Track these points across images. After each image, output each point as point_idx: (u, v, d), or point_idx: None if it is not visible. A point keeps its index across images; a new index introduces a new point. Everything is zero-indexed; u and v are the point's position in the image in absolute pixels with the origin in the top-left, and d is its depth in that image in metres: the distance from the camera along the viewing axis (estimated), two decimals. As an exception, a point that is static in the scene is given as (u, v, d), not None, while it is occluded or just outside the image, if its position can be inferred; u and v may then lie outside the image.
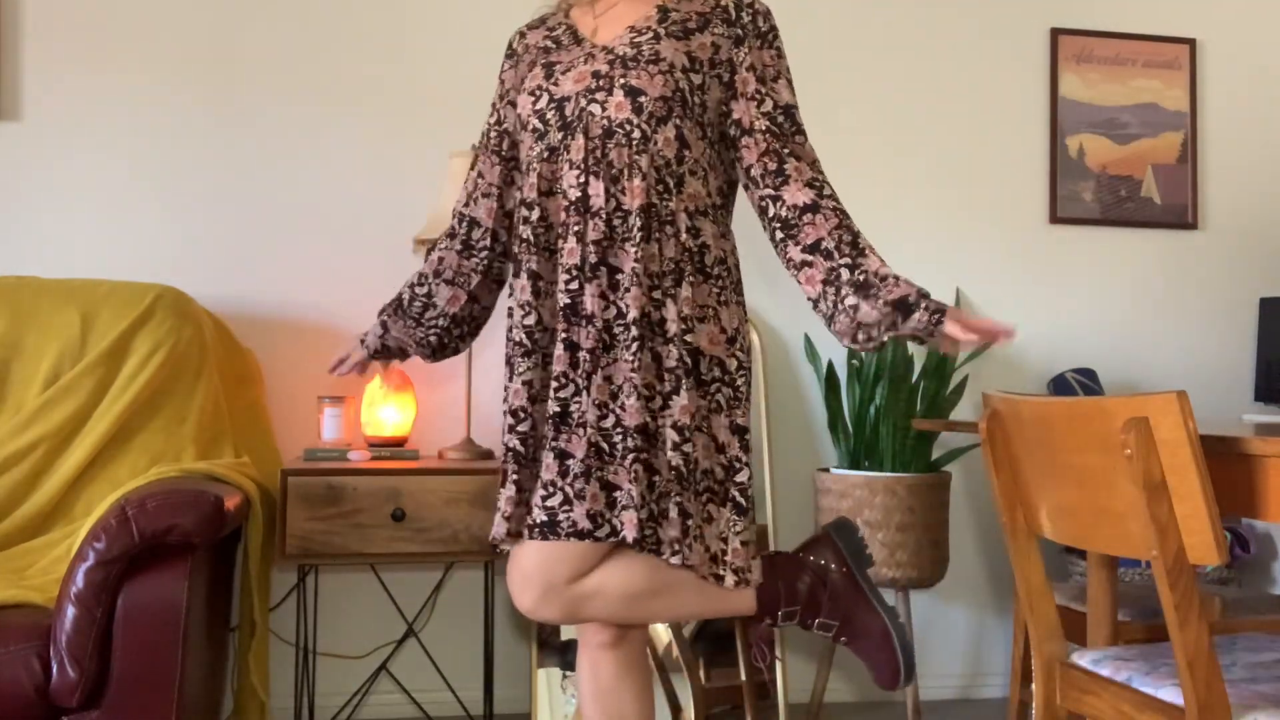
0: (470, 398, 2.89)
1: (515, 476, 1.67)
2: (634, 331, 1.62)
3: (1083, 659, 1.78)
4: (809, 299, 1.70)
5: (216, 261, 3.01)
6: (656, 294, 1.65)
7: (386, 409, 2.86)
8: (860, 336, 1.65)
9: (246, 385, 2.80)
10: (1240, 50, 3.55)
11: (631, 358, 1.61)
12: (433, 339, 1.92)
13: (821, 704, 3.07)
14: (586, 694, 1.79)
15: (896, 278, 1.63)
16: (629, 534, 1.58)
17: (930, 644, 3.33)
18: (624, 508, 1.60)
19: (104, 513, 2.05)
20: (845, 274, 1.65)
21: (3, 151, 2.95)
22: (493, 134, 1.86)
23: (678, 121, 1.67)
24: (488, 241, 1.86)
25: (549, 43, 1.78)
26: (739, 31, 1.73)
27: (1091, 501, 1.60)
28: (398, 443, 2.86)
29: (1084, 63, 3.44)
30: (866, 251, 1.66)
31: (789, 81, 1.76)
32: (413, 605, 3.06)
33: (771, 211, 1.72)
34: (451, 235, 1.88)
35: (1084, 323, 3.44)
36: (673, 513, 1.61)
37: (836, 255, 1.66)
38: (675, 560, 1.61)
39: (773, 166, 1.71)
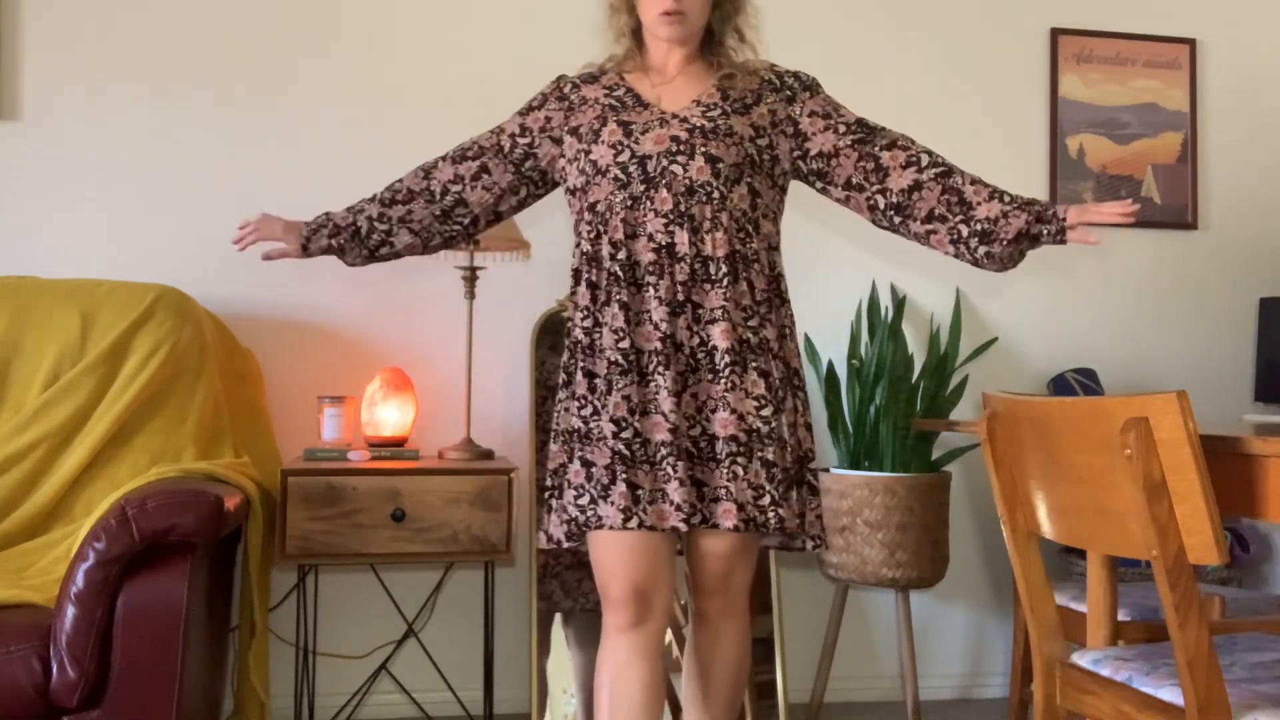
0: (470, 398, 2.89)
1: (625, 475, 1.83)
2: (728, 359, 1.87)
3: (1083, 659, 1.78)
4: (949, 255, 1.98)
5: (216, 261, 3.01)
6: (753, 321, 1.91)
7: (386, 409, 2.86)
8: (1007, 266, 1.95)
9: (246, 385, 2.80)
10: (1240, 50, 3.55)
11: (724, 380, 1.87)
12: (369, 263, 2.17)
13: (821, 704, 3.07)
14: (601, 674, 1.91)
15: (1006, 213, 1.89)
16: (723, 522, 1.84)
17: (930, 644, 3.33)
18: (713, 500, 1.86)
19: (104, 513, 2.05)
20: (964, 230, 1.92)
21: (3, 151, 2.95)
22: (518, 149, 2.06)
23: (749, 179, 1.94)
24: (465, 222, 2.11)
25: (614, 101, 2.00)
26: (788, 94, 2.02)
27: (1091, 501, 1.60)
28: (398, 443, 2.86)
29: (1084, 63, 3.44)
30: (973, 203, 1.92)
31: (847, 109, 2.05)
32: (413, 605, 3.06)
33: (883, 203, 1.98)
34: (431, 199, 2.09)
35: (1084, 323, 3.44)
36: (793, 496, 1.90)
37: (951, 217, 1.93)
38: (797, 532, 1.93)
39: (870, 166, 1.98)
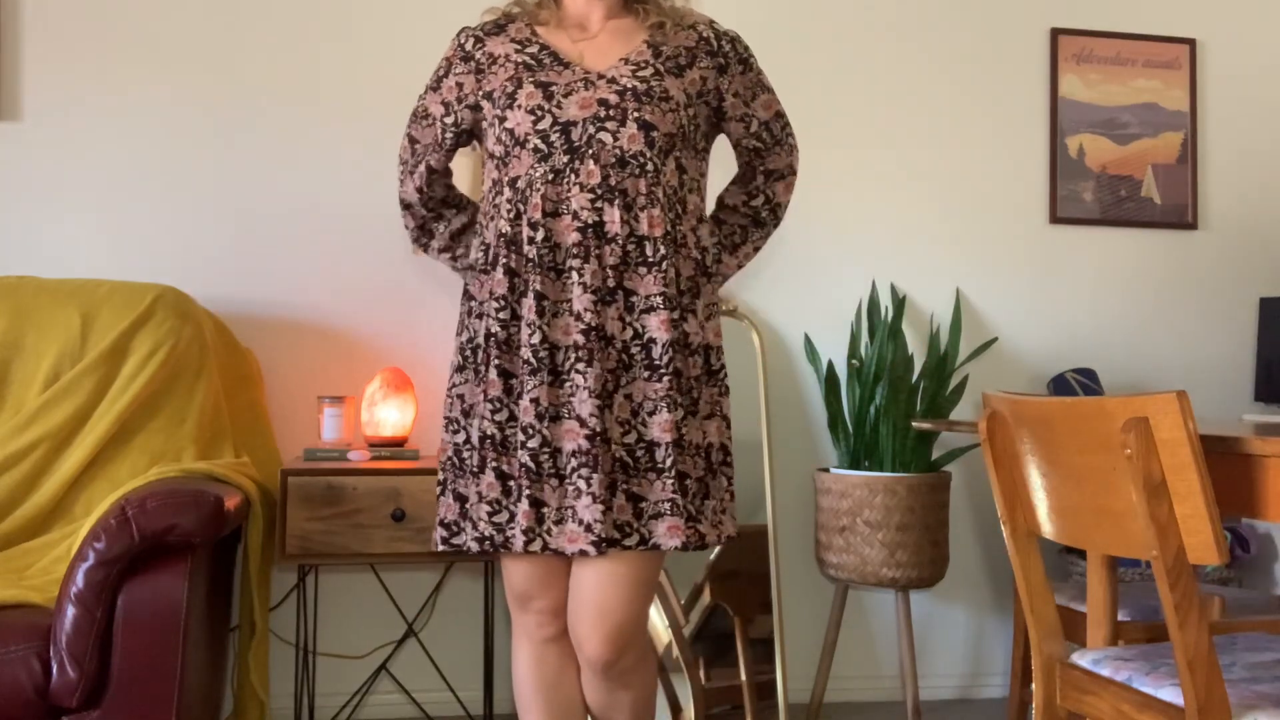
0: (470, 398, 2.89)
1: (529, 491, 1.68)
2: (669, 354, 1.71)
3: (1083, 659, 1.78)
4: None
5: (216, 261, 3.01)
6: (676, 314, 1.74)
7: (386, 409, 2.85)
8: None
9: (246, 385, 2.80)
10: (1240, 50, 3.55)
11: (660, 378, 1.70)
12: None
13: (821, 704, 3.07)
14: (531, 688, 1.84)
15: (724, 277, 1.98)
16: (666, 541, 1.68)
17: (930, 644, 3.33)
18: (653, 517, 1.69)
19: (104, 513, 2.05)
20: (722, 255, 1.99)
21: (3, 151, 2.95)
22: (448, 135, 1.91)
23: (678, 153, 1.79)
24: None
25: (528, 59, 1.80)
26: (721, 61, 1.87)
27: (1091, 501, 1.60)
28: (398, 443, 2.86)
29: (1084, 63, 3.44)
30: (734, 250, 1.99)
31: (768, 92, 1.94)
32: (413, 605, 3.06)
33: (723, 193, 2.02)
34: (461, 207, 2.00)
35: (1084, 323, 3.44)
36: (707, 509, 1.75)
37: (725, 241, 1.99)
38: (715, 539, 1.75)
39: (743, 173, 1.98)
